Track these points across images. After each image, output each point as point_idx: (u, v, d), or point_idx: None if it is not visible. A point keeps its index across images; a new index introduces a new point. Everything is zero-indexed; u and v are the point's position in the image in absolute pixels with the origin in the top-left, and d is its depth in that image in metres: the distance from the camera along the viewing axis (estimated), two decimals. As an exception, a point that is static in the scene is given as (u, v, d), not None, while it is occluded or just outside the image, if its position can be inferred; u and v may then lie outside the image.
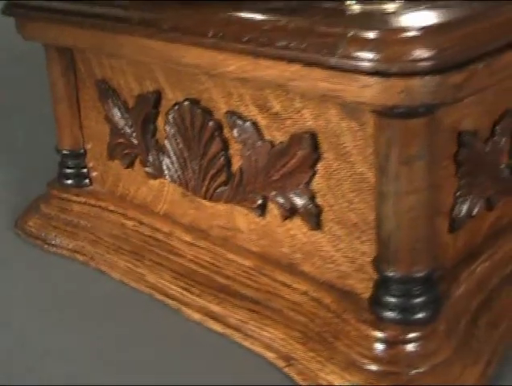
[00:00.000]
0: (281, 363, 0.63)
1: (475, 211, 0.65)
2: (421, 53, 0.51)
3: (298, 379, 0.61)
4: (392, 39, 0.51)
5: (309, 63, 0.54)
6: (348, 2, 0.58)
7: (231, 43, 0.58)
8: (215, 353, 0.65)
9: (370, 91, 0.52)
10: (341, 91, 0.53)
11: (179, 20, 0.61)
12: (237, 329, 0.66)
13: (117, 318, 0.70)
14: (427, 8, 0.57)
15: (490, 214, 0.69)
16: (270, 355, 0.64)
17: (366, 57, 0.51)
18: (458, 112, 0.61)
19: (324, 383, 0.60)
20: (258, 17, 0.58)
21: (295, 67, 0.55)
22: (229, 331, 0.67)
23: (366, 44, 0.51)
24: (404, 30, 0.51)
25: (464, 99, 0.55)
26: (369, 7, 0.57)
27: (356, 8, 0.57)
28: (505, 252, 0.70)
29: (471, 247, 0.68)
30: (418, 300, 0.60)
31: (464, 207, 0.64)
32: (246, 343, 0.66)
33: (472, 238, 0.67)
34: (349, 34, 0.52)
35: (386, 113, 0.54)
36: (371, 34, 0.51)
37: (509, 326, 0.65)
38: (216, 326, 0.67)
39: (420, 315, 0.60)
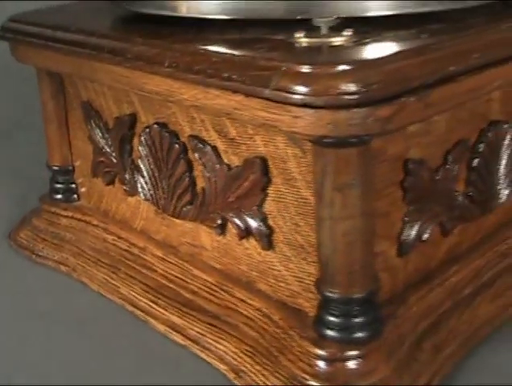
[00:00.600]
0: (231, 375, 0.67)
1: (425, 236, 0.68)
2: (348, 87, 0.54)
3: (244, 390, 0.65)
4: (321, 74, 0.55)
5: (249, 94, 0.58)
6: (297, 36, 0.61)
7: (184, 73, 0.63)
8: (173, 364, 0.70)
9: (301, 121, 0.56)
10: (277, 121, 0.57)
11: (142, 50, 0.66)
12: (195, 341, 0.71)
13: (87, 328, 0.75)
14: (374, 41, 0.60)
15: (446, 239, 0.72)
16: (222, 367, 0.68)
17: (297, 90, 0.55)
18: (404, 142, 0.64)
19: (266, 394, 0.64)
20: (209, 49, 0.62)
21: (239, 98, 0.59)
22: (188, 343, 0.71)
23: (297, 78, 0.55)
24: (334, 64, 0.55)
25: (396, 131, 0.59)
26: (316, 41, 0.61)
27: (304, 41, 0.61)
28: (462, 278, 0.73)
29: (424, 271, 0.71)
30: (357, 320, 0.63)
31: (413, 232, 0.67)
32: (203, 355, 0.70)
33: (425, 262, 0.70)
34: (283, 68, 0.56)
35: (319, 142, 0.57)
36: (302, 68, 0.55)
37: (455, 350, 0.68)
38: (178, 338, 0.72)
39: (359, 334, 0.63)
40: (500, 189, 0.75)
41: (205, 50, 0.62)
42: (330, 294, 0.62)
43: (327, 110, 0.55)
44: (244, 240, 0.69)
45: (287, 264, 0.66)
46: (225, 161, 0.68)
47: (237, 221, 0.68)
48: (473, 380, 0.67)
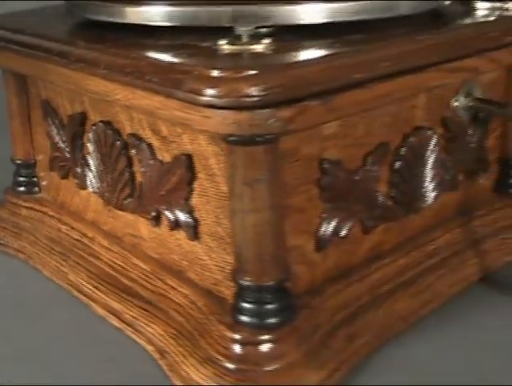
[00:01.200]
0: (157, 355, 0.73)
1: (343, 233, 0.74)
2: (250, 90, 0.60)
3: (166, 369, 0.72)
4: (226, 77, 0.61)
5: (167, 96, 0.65)
6: (220, 43, 0.68)
7: (117, 75, 0.69)
8: (108, 344, 0.77)
9: (210, 121, 0.62)
10: (191, 120, 0.64)
11: (83, 53, 0.73)
12: (129, 324, 0.77)
13: (33, 312, 0.82)
14: (289, 49, 0.66)
15: (368, 237, 0.78)
16: (150, 348, 0.74)
17: (205, 92, 0.61)
18: (320, 143, 0.70)
19: (184, 373, 0.70)
20: (139, 53, 0.69)
21: (160, 98, 0.66)
22: (123, 326, 0.78)
23: (206, 81, 0.61)
24: (238, 69, 0.61)
25: (299, 131, 0.65)
26: (238, 48, 0.67)
27: (226, 48, 0.67)
28: (384, 274, 0.79)
29: (344, 266, 0.77)
30: (269, 307, 0.69)
31: (330, 229, 0.73)
32: (135, 337, 0.76)
33: (345, 258, 0.76)
34: (195, 72, 0.63)
35: (227, 140, 0.64)
36: (211, 73, 0.61)
37: (368, 341, 0.74)
38: (114, 321, 0.78)
39: (272, 320, 0.69)
40: (425, 191, 0.81)
41: (135, 54, 0.68)
42: (244, 282, 0.68)
43: (231, 111, 0.61)
44: (175, 231, 0.75)
45: (211, 255, 0.72)
46: (159, 157, 0.74)
47: (168, 213, 0.75)
48: (383, 370, 0.72)
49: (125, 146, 0.77)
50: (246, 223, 0.65)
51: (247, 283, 0.68)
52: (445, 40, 0.73)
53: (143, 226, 0.79)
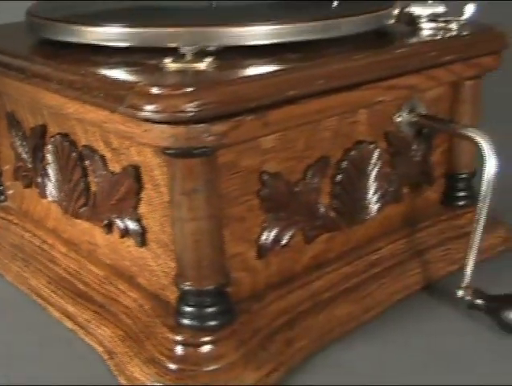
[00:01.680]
0: (106, 356, 0.79)
1: (283, 242, 0.79)
2: (186, 106, 0.65)
3: (113, 369, 0.77)
4: (163, 94, 0.66)
5: (112, 110, 0.70)
6: (166, 61, 0.73)
7: (68, 90, 0.75)
8: (62, 345, 0.82)
9: (149, 135, 0.67)
10: (133, 133, 0.69)
11: (38, 69, 0.79)
12: (82, 327, 0.82)
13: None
14: (229, 67, 0.72)
15: (310, 246, 0.83)
16: (100, 349, 0.80)
17: (143, 108, 0.66)
18: (259, 156, 0.75)
19: (129, 373, 0.75)
20: (88, 70, 0.75)
21: (105, 113, 0.71)
22: (76, 328, 0.83)
23: (145, 97, 0.66)
24: (176, 86, 0.67)
25: (234, 145, 0.70)
26: (182, 66, 0.72)
27: (171, 66, 0.73)
28: (326, 282, 0.84)
29: (287, 273, 0.82)
30: (209, 310, 0.74)
31: (271, 238, 0.79)
32: (87, 339, 0.81)
33: (288, 266, 0.81)
34: (135, 89, 0.68)
35: (167, 153, 0.69)
36: (150, 90, 0.67)
37: (307, 344, 0.79)
38: (69, 324, 0.84)
39: (211, 323, 0.74)
40: (368, 203, 0.86)
41: (84, 71, 0.74)
42: (184, 287, 0.73)
43: (168, 125, 0.66)
44: (125, 239, 0.81)
45: (157, 261, 0.78)
46: (110, 168, 0.79)
47: (119, 221, 0.80)
48: (321, 372, 0.77)
49: (81, 157, 0.82)
50: (185, 231, 0.71)
51: (188, 288, 0.73)
52: (380, 59, 0.78)
53: (98, 233, 0.84)
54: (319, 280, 0.83)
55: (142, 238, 0.78)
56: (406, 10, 0.91)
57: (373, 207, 0.87)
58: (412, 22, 0.91)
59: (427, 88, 0.86)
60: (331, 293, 0.83)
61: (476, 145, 0.83)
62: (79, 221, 0.86)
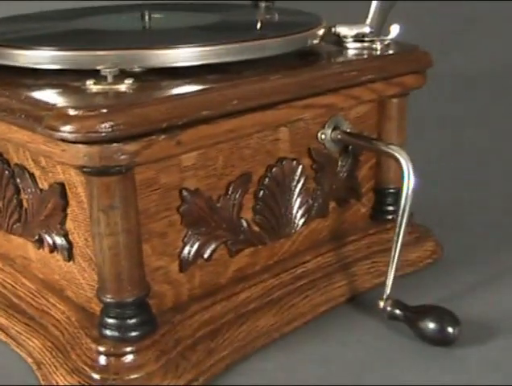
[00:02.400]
0: (35, 367, 0.84)
1: (205, 255, 0.85)
2: (99, 127, 0.71)
3: (41, 379, 0.82)
4: (79, 116, 0.71)
5: (33, 131, 0.76)
6: (88, 83, 0.79)
7: (-4, 112, 0.80)
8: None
9: (66, 154, 0.73)
10: (52, 153, 0.74)
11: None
12: (14, 339, 0.87)
13: None
14: (147, 89, 0.77)
15: (234, 260, 0.88)
16: (29, 360, 0.84)
17: (60, 128, 0.72)
18: (179, 174, 0.81)
19: (54, 383, 0.80)
20: (14, 91, 0.80)
21: (28, 133, 0.77)
22: (9, 340, 0.88)
23: (61, 118, 0.72)
24: (90, 108, 0.72)
25: (148, 163, 0.76)
26: (103, 87, 0.78)
27: (93, 88, 0.78)
28: (251, 294, 0.89)
29: (211, 286, 0.87)
30: (130, 321, 0.79)
31: (193, 252, 0.84)
32: (18, 350, 0.87)
33: (212, 278, 0.87)
34: (53, 110, 0.73)
35: (85, 171, 0.75)
36: (66, 111, 0.72)
37: (229, 355, 0.84)
38: (1, 336, 0.89)
39: (132, 334, 0.79)
40: (293, 218, 0.91)
41: (9, 92, 0.79)
42: (106, 299, 0.79)
43: (83, 145, 0.71)
44: (54, 253, 0.86)
45: (84, 274, 0.83)
46: (39, 186, 0.85)
47: (47, 237, 0.85)
48: (242, 381, 0.82)
49: (13, 176, 0.88)
50: (104, 245, 0.76)
51: (109, 300, 0.78)
52: (295, 80, 0.83)
53: (30, 248, 0.90)
54: (243, 292, 0.88)
55: (68, 253, 0.83)
56: (333, 30, 0.97)
57: (299, 222, 0.92)
58: (339, 42, 0.97)
59: (348, 107, 0.91)
60: (255, 305, 0.88)
61: (396, 162, 0.88)
62: (14, 237, 0.91)
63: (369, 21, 0.96)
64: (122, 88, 0.77)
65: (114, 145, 0.71)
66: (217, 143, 0.80)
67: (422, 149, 1.36)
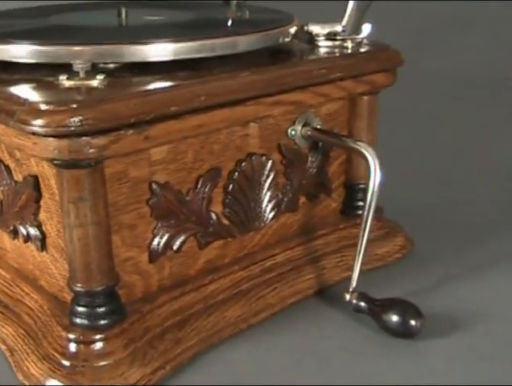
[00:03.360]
0: (8, 353, 0.88)
1: (174, 247, 0.89)
2: (68, 121, 0.75)
3: (13, 365, 0.86)
4: (50, 110, 0.75)
5: (6, 124, 0.80)
6: (61, 78, 0.83)
7: (-30, 105, 0.85)
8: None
9: (37, 147, 0.77)
10: (24, 146, 0.79)
11: None
12: (-12, 326, 0.92)
13: None
14: (120, 85, 0.81)
15: (204, 252, 0.93)
16: (3, 347, 0.89)
17: (31, 122, 0.76)
18: (148, 167, 0.85)
19: (25, 369, 0.84)
20: (-11, 86, 0.85)
21: (2, 126, 0.81)
22: (-16, 328, 0.93)
23: (33, 113, 0.76)
24: (61, 103, 0.77)
25: (116, 157, 0.80)
26: (75, 83, 0.82)
27: (66, 83, 0.83)
28: (220, 286, 0.93)
29: (180, 277, 0.92)
30: (99, 310, 0.83)
31: (162, 243, 0.89)
32: (-8, 338, 0.91)
33: (181, 270, 0.91)
34: (25, 104, 0.78)
35: (55, 164, 0.79)
36: (36, 106, 0.77)
37: (196, 344, 0.89)
38: (-23, 324, 0.94)
39: (101, 322, 0.83)
40: (262, 212, 0.96)
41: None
42: (76, 288, 0.83)
43: (53, 139, 0.76)
44: (29, 243, 0.90)
45: (56, 264, 0.87)
46: (14, 178, 0.89)
47: (21, 228, 0.90)
48: (207, 371, 0.87)
49: (-10, 168, 0.92)
50: (74, 236, 0.80)
51: (78, 289, 0.82)
52: (263, 77, 0.88)
53: (6, 239, 0.94)
54: (212, 283, 0.93)
55: (42, 243, 0.88)
56: (306, 28, 1.01)
57: (268, 216, 0.97)
58: (311, 40, 1.01)
59: (317, 104, 0.96)
60: (223, 296, 0.93)
61: (363, 158, 0.93)
62: (-9, 228, 0.96)
63: (345, 20, 1.00)
64: (94, 83, 0.81)
65: (83, 139, 0.75)
66: (185, 138, 0.84)
67: (401, 146, 1.42)
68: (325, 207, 1.04)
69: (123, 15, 1.01)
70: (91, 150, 0.76)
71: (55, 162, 0.77)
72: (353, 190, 1.05)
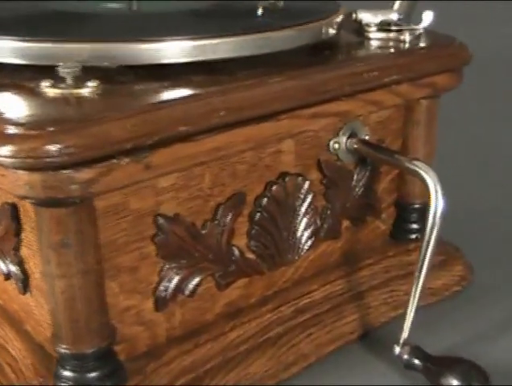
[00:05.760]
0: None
1: (187, 291, 0.67)
2: (42, 150, 0.53)
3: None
4: (20, 134, 0.53)
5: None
6: (43, 85, 0.60)
7: None
8: None
9: (5, 180, 0.55)
10: (-9, 177, 0.57)
11: None
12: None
13: None
14: (116, 95, 0.59)
15: (224, 293, 0.71)
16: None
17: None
18: (154, 197, 0.63)
19: None
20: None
21: (-34, 146, 0.59)
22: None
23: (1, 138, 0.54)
24: (35, 125, 0.54)
25: (106, 193, 0.57)
26: (63, 91, 0.60)
27: (50, 92, 0.60)
28: (243, 332, 0.72)
29: (195, 325, 0.70)
30: (91, 375, 0.62)
31: (171, 287, 0.66)
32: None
33: (197, 316, 0.69)
34: (-8, 127, 0.55)
35: (31, 201, 0.57)
36: (4, 128, 0.54)
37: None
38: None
39: (95, 388, 0.62)
40: (297, 242, 0.73)
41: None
42: (60, 349, 0.62)
43: (24, 172, 0.54)
44: (12, 281, 0.69)
45: (40, 310, 0.66)
46: (-10, 203, 0.67)
47: (1, 263, 0.68)
48: None
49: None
50: (55, 289, 0.59)
51: (63, 351, 0.61)
52: (301, 83, 0.65)
53: (-11, 270, 0.73)
54: (233, 330, 0.71)
55: (24, 284, 0.67)
56: (354, 16, 0.77)
57: (304, 246, 0.74)
58: (360, 31, 0.77)
59: (366, 114, 0.72)
60: (247, 346, 0.71)
61: (421, 181, 0.69)
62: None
63: (396, 6, 0.76)
64: (85, 92, 0.58)
65: (63, 172, 0.54)
66: (199, 164, 0.61)
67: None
68: (372, 231, 0.81)
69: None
70: (73, 187, 0.54)
71: (28, 200, 0.54)
72: (406, 211, 0.82)
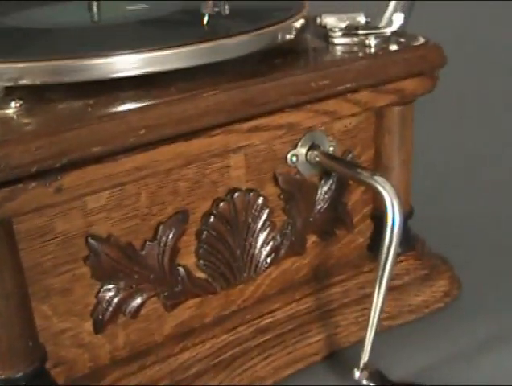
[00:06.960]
0: None
1: (128, 312, 0.64)
2: None
3: None
4: None
5: None
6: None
7: None
8: None
9: None
10: None
11: None
12: None
13: None
14: (35, 114, 0.56)
15: (173, 314, 0.67)
16: None
17: None
18: (83, 218, 0.60)
19: None
20: None
21: None
22: None
23: None
24: None
25: (14, 216, 0.54)
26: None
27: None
28: (195, 354, 0.68)
29: (142, 345, 0.66)
30: (17, 400, 0.60)
31: (110, 309, 0.63)
32: None
33: (143, 337, 0.66)
34: None
35: None
36: None
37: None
38: None
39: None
40: (255, 259, 0.69)
41: None
42: (-6, 374, 0.59)
43: None
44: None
45: None
46: None
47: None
48: None
49: None
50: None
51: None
52: (235, 95, 0.60)
53: None
54: (184, 352, 0.67)
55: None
56: (319, 20, 0.71)
57: (263, 263, 0.70)
58: (325, 36, 0.71)
59: (319, 124, 0.66)
60: (198, 368, 0.67)
61: (378, 195, 0.63)
62: None
63: (391, 7, 0.70)
64: (9, 112, 0.55)
65: (-38, 198, 0.50)
66: (119, 185, 0.57)
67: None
68: (346, 245, 0.75)
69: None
70: (-27, 213, 0.50)
71: None
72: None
